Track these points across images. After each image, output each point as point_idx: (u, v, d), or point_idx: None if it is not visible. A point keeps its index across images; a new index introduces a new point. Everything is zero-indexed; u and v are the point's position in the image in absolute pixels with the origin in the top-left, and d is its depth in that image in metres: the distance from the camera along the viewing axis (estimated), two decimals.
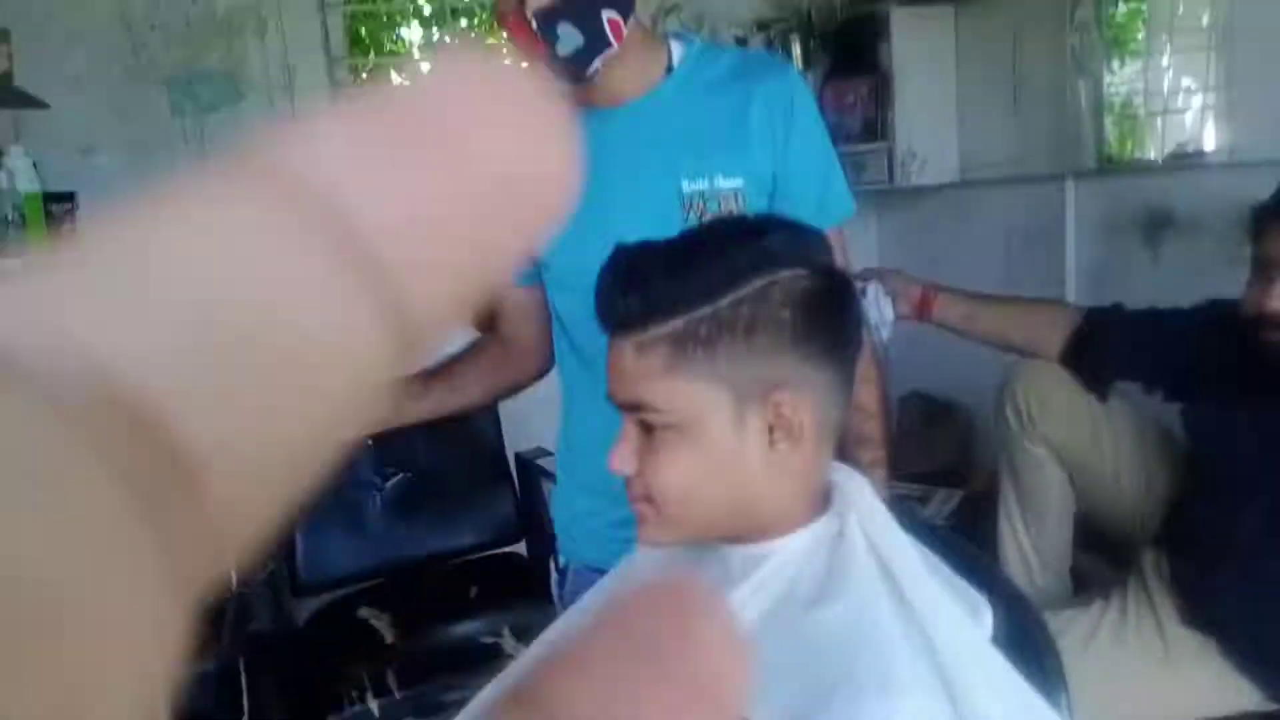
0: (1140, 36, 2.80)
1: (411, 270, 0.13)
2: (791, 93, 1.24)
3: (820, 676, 0.69)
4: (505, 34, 1.15)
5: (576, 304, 1.26)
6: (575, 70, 1.13)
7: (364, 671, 1.77)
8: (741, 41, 3.20)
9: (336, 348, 0.13)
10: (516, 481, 2.40)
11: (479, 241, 0.14)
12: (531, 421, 3.14)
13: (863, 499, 0.81)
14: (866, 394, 1.32)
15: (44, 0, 2.65)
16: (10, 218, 2.34)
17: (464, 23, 3.97)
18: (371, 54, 3.74)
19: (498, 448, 2.42)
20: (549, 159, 0.15)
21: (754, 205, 1.22)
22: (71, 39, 2.69)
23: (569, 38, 1.11)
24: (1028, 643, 0.85)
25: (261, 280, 0.12)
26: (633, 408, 0.80)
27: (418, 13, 3.58)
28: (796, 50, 3.15)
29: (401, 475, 2.28)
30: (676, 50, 1.25)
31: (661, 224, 1.13)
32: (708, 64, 1.25)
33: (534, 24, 1.10)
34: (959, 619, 0.72)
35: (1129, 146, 2.77)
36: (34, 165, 2.54)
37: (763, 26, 3.20)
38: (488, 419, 2.41)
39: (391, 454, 2.28)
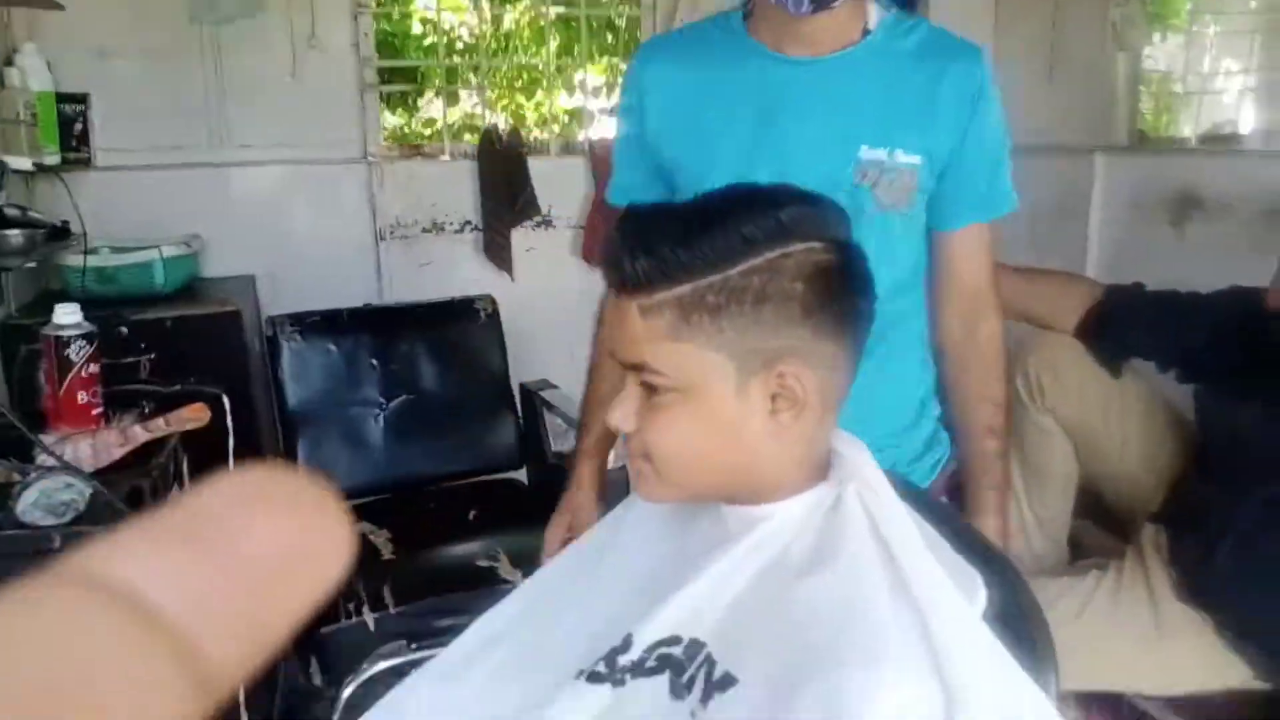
0: (1185, 10, 2.74)
1: (200, 630, 0.17)
2: (981, 78, 1.21)
3: (806, 645, 0.69)
4: None
5: None
6: (822, 1, 1.10)
7: (360, 585, 1.78)
8: None
9: (141, 694, 0.16)
10: (520, 411, 2.39)
11: (258, 606, 0.18)
12: (537, 353, 3.17)
13: (864, 468, 0.81)
14: (992, 415, 1.31)
15: None
16: (22, 116, 2.31)
17: None
18: None
19: (503, 377, 2.41)
20: (317, 540, 0.19)
21: (925, 184, 1.21)
22: None
23: None
24: (1020, 620, 0.84)
25: (76, 653, 0.16)
26: (636, 368, 0.79)
27: None
28: None
29: (405, 396, 2.28)
30: (874, 13, 1.21)
31: (831, 182, 1.09)
32: (902, 35, 1.21)
33: None
34: (954, 598, 0.71)
35: (1164, 123, 2.73)
36: (47, 65, 2.50)
37: None
38: (494, 348, 2.41)
39: (395, 375, 2.28)
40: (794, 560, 0.77)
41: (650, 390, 0.79)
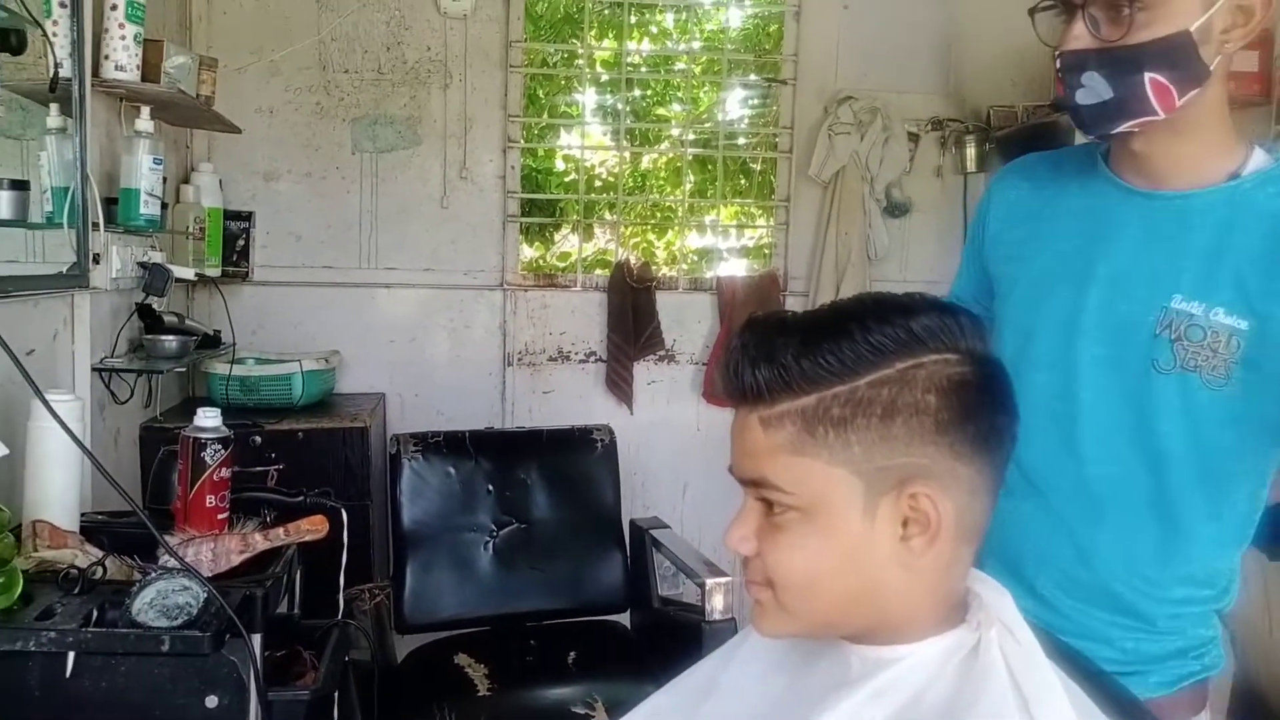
0: None
1: None
2: None
3: None
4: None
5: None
6: (1096, 125, 1.05)
7: None
8: (914, 138, 3.19)
9: None
10: (629, 549, 2.35)
11: None
12: (649, 490, 3.16)
13: (1005, 614, 0.74)
14: None
15: (252, 35, 2.85)
16: (191, 230, 2.49)
17: (638, 92, 4.07)
18: (545, 115, 3.85)
19: (614, 511, 2.39)
20: None
21: (1252, 358, 1.01)
22: (271, 74, 2.88)
23: (1094, 89, 1.02)
24: None
25: None
26: (755, 484, 0.75)
27: (594, 79, 3.68)
28: (970, 151, 3.12)
29: (515, 525, 2.28)
30: (1256, 160, 1.05)
31: (1129, 323, 1.05)
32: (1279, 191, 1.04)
33: (1057, 65, 1.03)
34: None
35: None
36: (219, 184, 2.71)
37: (937, 125, 3.20)
38: (608, 481, 2.40)
39: (508, 502, 2.28)
40: (925, 711, 0.71)
41: (769, 509, 0.75)
